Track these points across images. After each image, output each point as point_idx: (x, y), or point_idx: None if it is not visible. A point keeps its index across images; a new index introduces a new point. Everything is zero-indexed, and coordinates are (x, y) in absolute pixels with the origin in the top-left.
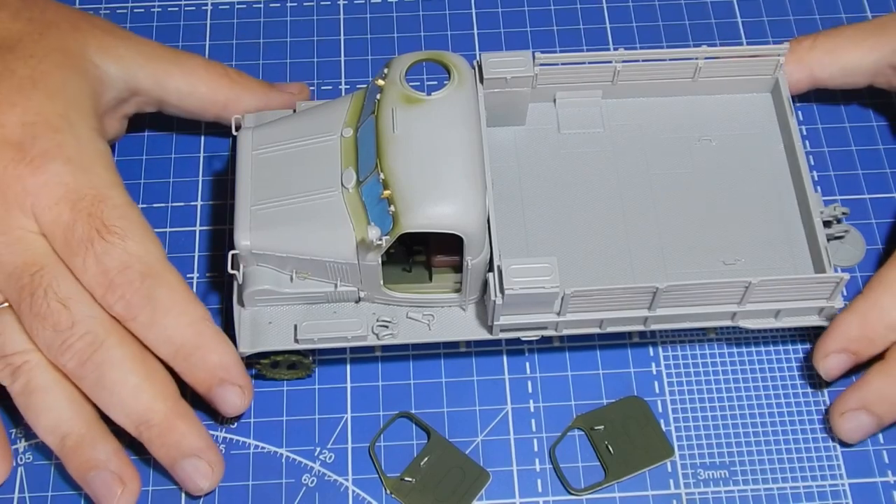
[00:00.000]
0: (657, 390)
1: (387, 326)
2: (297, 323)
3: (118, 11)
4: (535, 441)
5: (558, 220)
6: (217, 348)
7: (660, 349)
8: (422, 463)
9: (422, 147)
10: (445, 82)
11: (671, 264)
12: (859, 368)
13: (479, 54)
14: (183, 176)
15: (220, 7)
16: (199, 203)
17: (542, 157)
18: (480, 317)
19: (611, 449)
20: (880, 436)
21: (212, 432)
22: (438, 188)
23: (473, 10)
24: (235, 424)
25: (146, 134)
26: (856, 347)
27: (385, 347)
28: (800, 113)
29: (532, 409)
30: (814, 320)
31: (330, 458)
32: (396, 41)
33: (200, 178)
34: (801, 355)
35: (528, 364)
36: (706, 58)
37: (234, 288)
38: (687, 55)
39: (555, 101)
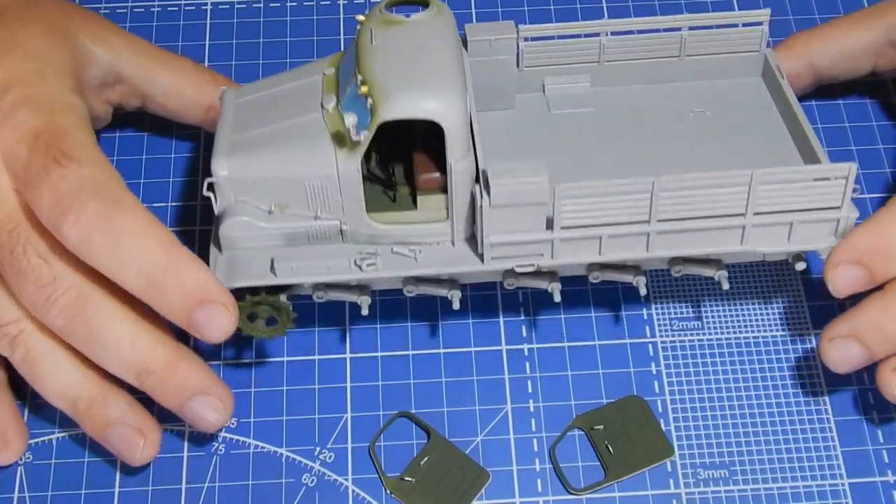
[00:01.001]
0: (657, 390)
1: (369, 258)
2: (273, 257)
3: (118, 11)
4: (535, 441)
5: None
6: (191, 267)
7: (660, 349)
8: (422, 463)
9: (401, 51)
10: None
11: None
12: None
13: (465, 25)
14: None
15: (220, 7)
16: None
17: (532, 135)
18: (471, 249)
19: (611, 449)
20: (880, 435)
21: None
22: (418, 79)
23: (473, 10)
24: (235, 424)
25: (146, 134)
26: (869, 260)
27: (385, 347)
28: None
29: (532, 409)
30: (829, 239)
31: (330, 457)
32: None
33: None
34: (801, 355)
35: (527, 364)
36: (690, 27)
37: (203, 245)
38: (670, 24)
39: (543, 88)
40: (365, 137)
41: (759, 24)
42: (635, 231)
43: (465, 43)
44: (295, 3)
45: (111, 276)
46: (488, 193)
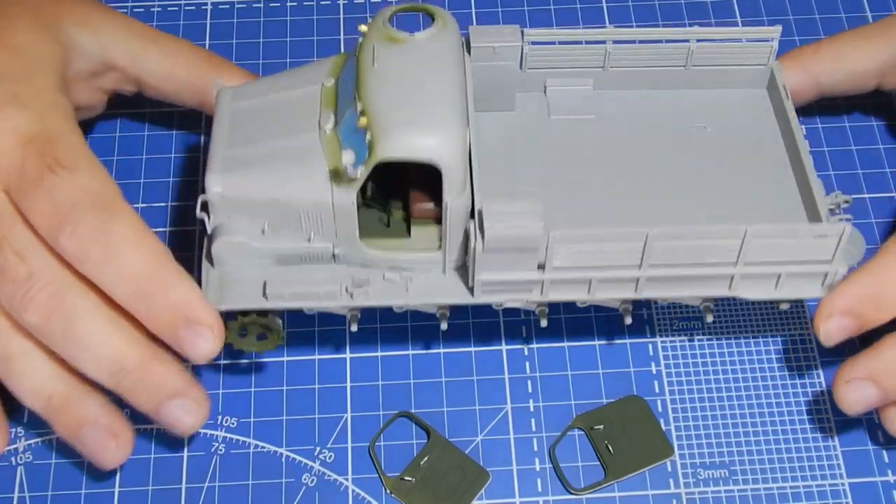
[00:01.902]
0: (657, 390)
1: (361, 286)
2: (265, 280)
3: (118, 10)
4: (535, 440)
5: (546, 203)
6: (180, 284)
7: (660, 348)
8: (422, 462)
9: (402, 79)
10: (428, 24)
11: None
12: (857, 345)
13: (468, 27)
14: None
15: (220, 6)
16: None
17: (531, 141)
18: (461, 280)
19: (611, 448)
20: (880, 435)
21: (211, 432)
22: (417, 116)
23: (473, 10)
24: (235, 424)
25: (146, 134)
26: (862, 310)
27: (385, 347)
28: (799, 113)
29: (532, 409)
30: (816, 290)
31: (330, 457)
32: None
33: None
34: (801, 355)
35: (527, 363)
36: (699, 40)
37: (203, 245)
38: (680, 35)
39: (545, 89)
40: (361, 174)
41: (769, 40)
42: (626, 275)
43: (467, 44)
44: (295, 3)
45: (102, 286)
46: (482, 236)
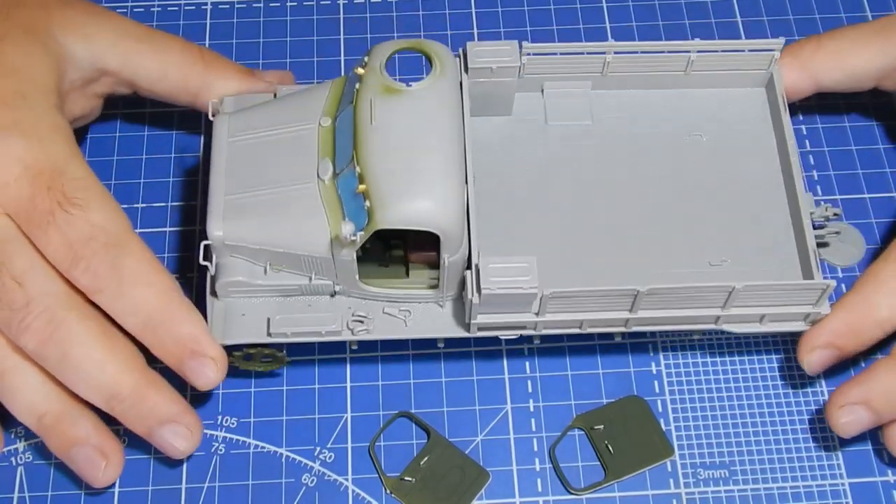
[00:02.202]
0: (657, 390)
1: (362, 322)
2: (270, 316)
3: (118, 11)
4: (535, 441)
5: (541, 214)
6: (186, 319)
7: (660, 348)
8: (422, 462)
9: (400, 140)
10: (427, 69)
11: (655, 263)
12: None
13: (465, 43)
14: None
15: (220, 6)
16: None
17: (527, 149)
18: (458, 314)
19: (611, 448)
20: (880, 435)
21: (211, 432)
22: (415, 184)
23: (473, 10)
24: (235, 424)
25: (146, 134)
26: (842, 343)
27: (385, 346)
28: (799, 113)
29: (532, 409)
30: (799, 326)
31: (330, 457)
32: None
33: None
34: None
35: (527, 364)
36: (699, 51)
37: (207, 278)
38: (680, 48)
39: (542, 91)
40: (361, 237)
41: (772, 50)
42: (616, 317)
43: (465, 62)
44: (295, 3)
45: (113, 315)
46: (479, 292)
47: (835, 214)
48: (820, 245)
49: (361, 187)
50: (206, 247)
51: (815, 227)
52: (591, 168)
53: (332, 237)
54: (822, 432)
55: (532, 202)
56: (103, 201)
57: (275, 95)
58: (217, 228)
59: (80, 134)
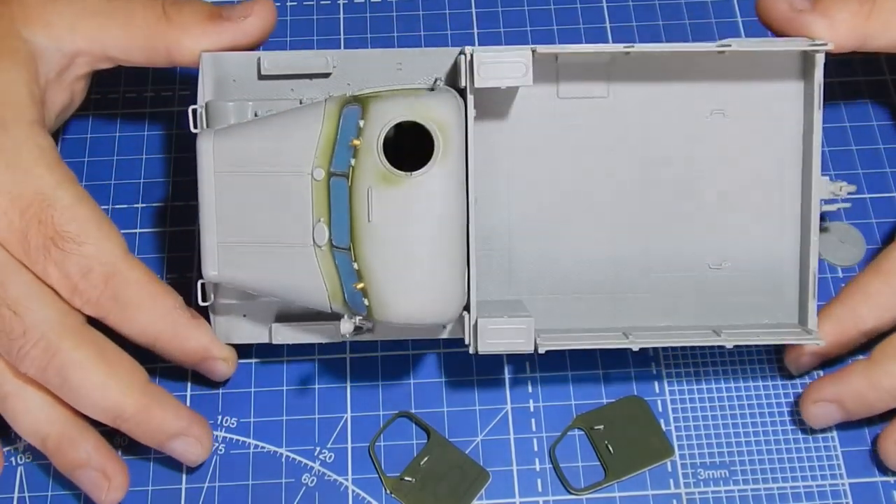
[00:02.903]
0: (657, 390)
1: (363, 327)
2: (271, 318)
3: None
4: (535, 441)
5: (542, 215)
6: (192, 335)
7: (660, 349)
8: (422, 462)
9: (399, 236)
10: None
11: (655, 267)
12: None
13: (473, 50)
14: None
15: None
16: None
17: (534, 128)
18: (459, 330)
19: (611, 448)
20: (886, 471)
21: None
22: (413, 278)
23: (473, 10)
24: (235, 424)
25: (146, 133)
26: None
27: (385, 346)
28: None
29: (532, 409)
30: (793, 338)
31: (330, 457)
32: (396, 41)
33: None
34: None
35: (528, 364)
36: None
37: (208, 290)
38: (714, 48)
39: (556, 57)
40: (360, 321)
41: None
42: (612, 346)
43: (470, 69)
44: (295, 3)
45: (120, 333)
46: (476, 342)
47: (849, 192)
48: (822, 230)
49: (360, 286)
50: (203, 285)
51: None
52: (598, 158)
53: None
54: (822, 432)
55: (533, 199)
56: (97, 230)
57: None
58: (212, 269)
59: (80, 133)
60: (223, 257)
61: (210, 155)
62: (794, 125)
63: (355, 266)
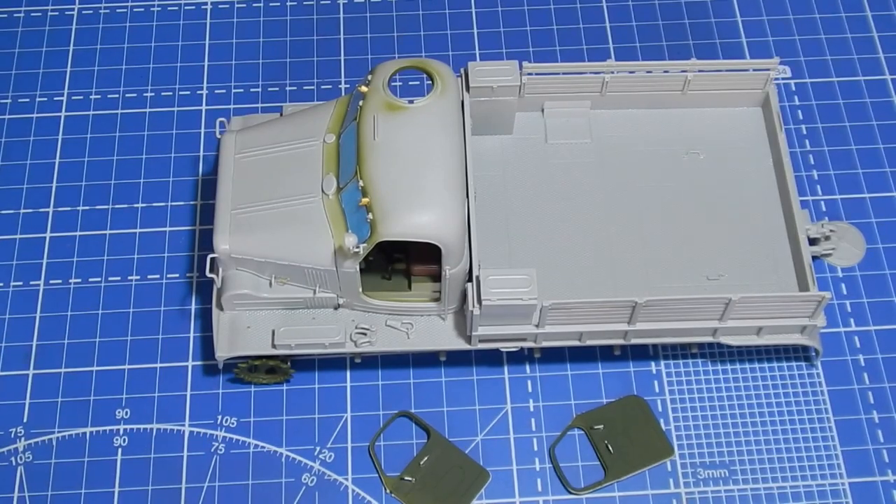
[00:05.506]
0: (657, 390)
1: (365, 334)
2: (275, 328)
3: (118, 11)
4: (535, 440)
5: (542, 230)
6: None
7: (660, 349)
8: (421, 462)
9: (402, 155)
10: (429, 88)
11: (654, 278)
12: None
13: (468, 63)
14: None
15: (220, 6)
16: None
17: (528, 167)
18: (460, 326)
19: (611, 448)
20: (880, 435)
21: (211, 432)
22: (417, 197)
23: (473, 10)
24: (235, 424)
25: (146, 133)
26: None
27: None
28: (800, 112)
29: (532, 409)
30: (796, 339)
31: (330, 457)
32: (396, 41)
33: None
34: (802, 354)
35: (527, 364)
36: (697, 70)
37: (213, 291)
38: (678, 67)
39: (542, 110)
40: (364, 249)
41: (767, 69)
42: (615, 329)
43: (466, 77)
44: (295, 3)
45: None
46: (479, 303)
47: (831, 231)
48: (824, 256)
49: (364, 200)
50: (213, 260)
51: (811, 244)
52: (590, 184)
53: (336, 248)
54: (822, 432)
55: (532, 218)
56: None
57: (281, 113)
58: (224, 242)
59: (80, 133)
60: (235, 229)
61: (232, 144)
62: (765, 152)
63: (360, 184)
